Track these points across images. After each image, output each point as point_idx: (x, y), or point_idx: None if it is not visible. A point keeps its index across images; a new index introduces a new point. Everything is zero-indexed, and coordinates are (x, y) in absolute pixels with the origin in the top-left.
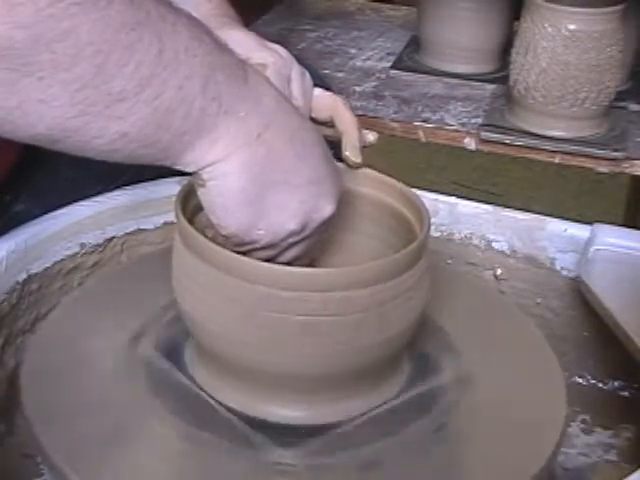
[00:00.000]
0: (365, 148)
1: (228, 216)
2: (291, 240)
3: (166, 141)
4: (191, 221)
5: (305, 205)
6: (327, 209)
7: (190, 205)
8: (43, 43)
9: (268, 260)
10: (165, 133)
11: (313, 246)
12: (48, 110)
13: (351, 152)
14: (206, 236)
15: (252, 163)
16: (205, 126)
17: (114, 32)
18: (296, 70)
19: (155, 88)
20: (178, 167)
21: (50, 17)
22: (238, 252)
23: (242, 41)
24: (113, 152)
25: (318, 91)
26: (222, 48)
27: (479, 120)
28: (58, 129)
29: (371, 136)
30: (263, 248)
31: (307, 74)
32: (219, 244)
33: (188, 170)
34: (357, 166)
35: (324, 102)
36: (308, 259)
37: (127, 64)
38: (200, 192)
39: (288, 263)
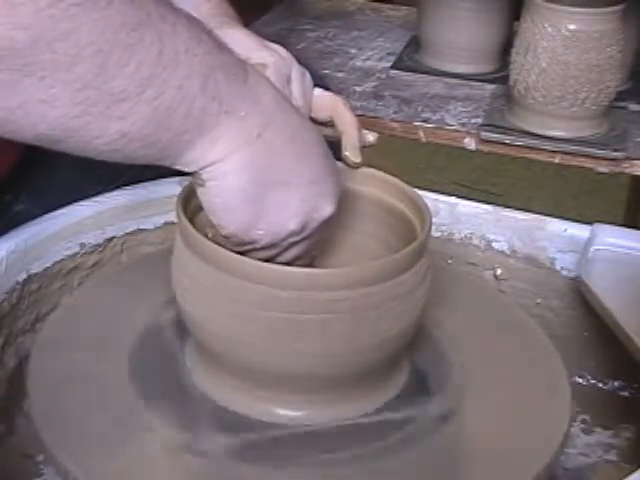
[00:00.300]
0: (365, 148)
1: (228, 216)
2: (291, 240)
3: (166, 140)
4: (192, 221)
5: (305, 205)
6: (327, 209)
7: (191, 205)
8: (44, 43)
9: (268, 260)
10: (166, 133)
11: (313, 245)
12: (50, 110)
13: (351, 152)
14: (206, 235)
15: (252, 163)
16: (206, 125)
17: (114, 32)
18: (296, 70)
19: (155, 88)
20: (178, 167)
21: (50, 17)
22: (238, 252)
23: (242, 41)
24: (113, 152)
25: (318, 91)
26: (221, 48)
27: (479, 120)
28: (60, 129)
29: (371, 136)
30: (263, 248)
31: (307, 74)
32: (219, 244)
33: (188, 170)
34: (357, 166)
35: (324, 102)
36: (309, 258)
37: (128, 64)
38: (200, 192)
39: (288, 263)
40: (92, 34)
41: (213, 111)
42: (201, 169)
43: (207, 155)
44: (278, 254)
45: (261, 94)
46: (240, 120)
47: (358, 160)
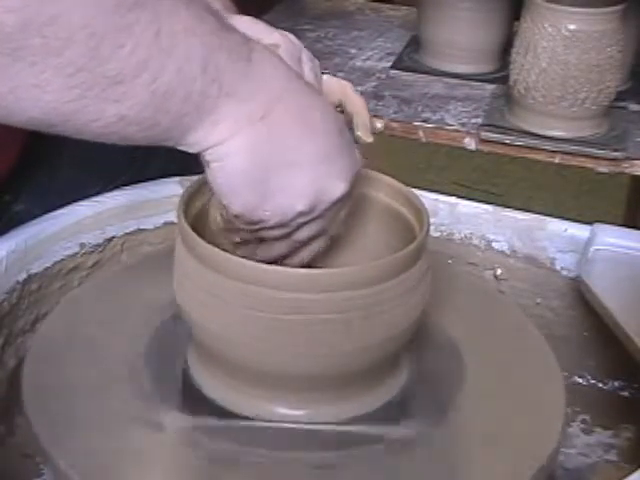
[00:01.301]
0: (373, 134)
1: (233, 197)
2: (300, 220)
3: (166, 124)
4: (194, 222)
5: (313, 185)
6: (338, 189)
7: (193, 207)
8: (34, 27)
9: (281, 238)
10: (165, 116)
11: (330, 225)
12: (43, 95)
13: (362, 132)
14: (221, 215)
15: (255, 145)
16: (205, 108)
17: (108, 14)
18: (306, 54)
19: (152, 71)
20: (182, 148)
21: (39, 0)
22: (250, 230)
23: (251, 26)
24: (111, 134)
25: (326, 77)
26: (225, 27)
27: (479, 120)
28: (54, 113)
29: (378, 123)
30: (273, 227)
31: (316, 60)
32: (231, 223)
33: (191, 151)
34: (368, 144)
35: (333, 87)
36: (327, 238)
37: (123, 46)
38: (206, 172)
39: (306, 242)
40: (84, 17)
41: (213, 94)
42: (204, 150)
43: (209, 137)
44: (290, 233)
45: (268, 74)
46: (242, 102)
47: (370, 140)
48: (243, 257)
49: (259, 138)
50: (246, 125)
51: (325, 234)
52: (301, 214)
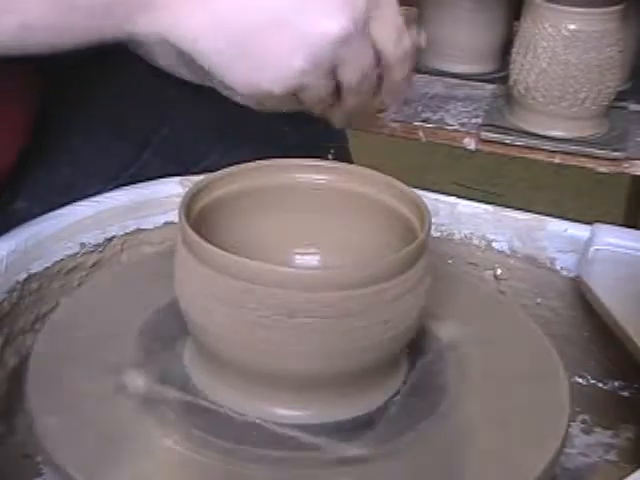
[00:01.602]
0: None
1: (230, 78)
2: (310, 78)
3: (83, 25)
4: (195, 223)
5: (297, 33)
6: (329, 27)
7: (195, 208)
8: None
9: (333, 94)
10: (83, 17)
11: (377, 50)
12: None
13: None
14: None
15: (218, 19)
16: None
17: None
18: None
19: None
20: (135, 39)
21: None
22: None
23: None
24: (22, 45)
25: None
26: None
27: (479, 120)
28: None
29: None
30: (301, 90)
31: None
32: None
33: (150, 41)
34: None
35: None
36: (399, 63)
37: None
38: None
39: (372, 79)
40: None
41: None
42: (160, 39)
43: (153, 28)
44: (322, 95)
45: None
46: None
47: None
48: (337, 123)
49: (219, 12)
50: (194, 4)
51: (381, 62)
52: (305, 72)
